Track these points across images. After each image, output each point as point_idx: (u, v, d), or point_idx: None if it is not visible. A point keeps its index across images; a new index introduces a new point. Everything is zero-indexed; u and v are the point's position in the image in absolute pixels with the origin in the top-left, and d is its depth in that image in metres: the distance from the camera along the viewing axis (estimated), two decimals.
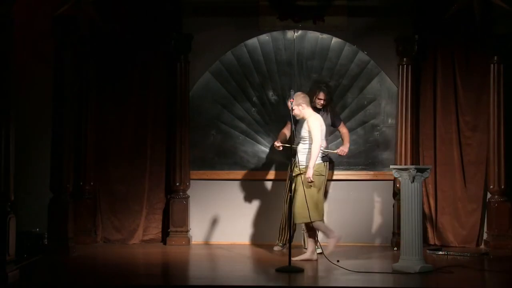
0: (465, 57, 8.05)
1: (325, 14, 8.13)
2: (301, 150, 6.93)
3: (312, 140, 6.84)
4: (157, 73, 8.12)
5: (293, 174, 6.81)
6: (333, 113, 7.63)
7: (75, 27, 7.27)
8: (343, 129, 7.73)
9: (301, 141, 6.95)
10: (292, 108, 6.72)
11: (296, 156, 6.86)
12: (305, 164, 6.83)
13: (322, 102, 7.41)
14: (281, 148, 7.37)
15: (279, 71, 8.21)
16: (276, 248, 7.66)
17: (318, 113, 7.16)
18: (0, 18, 5.72)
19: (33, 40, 7.62)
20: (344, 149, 7.58)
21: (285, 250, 7.25)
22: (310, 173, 6.73)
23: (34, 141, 7.73)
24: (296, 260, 6.70)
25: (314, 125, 6.86)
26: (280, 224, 7.67)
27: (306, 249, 7.11)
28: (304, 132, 6.91)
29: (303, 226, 7.16)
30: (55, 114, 7.42)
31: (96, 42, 7.97)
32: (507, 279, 6.24)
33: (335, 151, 7.54)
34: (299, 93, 7.02)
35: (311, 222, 6.75)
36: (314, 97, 7.38)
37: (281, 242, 7.65)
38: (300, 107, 6.90)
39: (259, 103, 8.25)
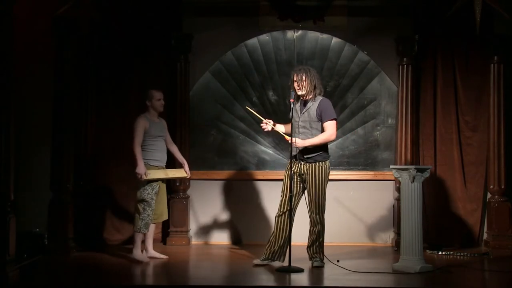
0: (465, 57, 8.06)
1: (325, 14, 8.13)
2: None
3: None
4: (157, 73, 8.12)
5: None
6: (321, 105, 6.59)
7: (75, 27, 7.27)
8: (325, 127, 6.55)
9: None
10: (291, 107, 6.66)
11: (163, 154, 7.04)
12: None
13: (296, 84, 6.58)
14: (265, 127, 6.73)
15: (279, 71, 8.21)
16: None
17: (303, 102, 6.65)
18: (0, 17, 5.72)
19: (33, 40, 7.61)
20: (297, 141, 6.45)
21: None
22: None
23: (34, 141, 7.73)
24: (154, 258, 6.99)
25: None
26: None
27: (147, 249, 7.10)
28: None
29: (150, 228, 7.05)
30: (55, 114, 7.43)
31: (96, 42, 7.97)
32: (507, 279, 6.24)
33: (286, 136, 6.55)
34: None
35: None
36: (291, 83, 6.65)
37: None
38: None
39: (259, 103, 8.24)
